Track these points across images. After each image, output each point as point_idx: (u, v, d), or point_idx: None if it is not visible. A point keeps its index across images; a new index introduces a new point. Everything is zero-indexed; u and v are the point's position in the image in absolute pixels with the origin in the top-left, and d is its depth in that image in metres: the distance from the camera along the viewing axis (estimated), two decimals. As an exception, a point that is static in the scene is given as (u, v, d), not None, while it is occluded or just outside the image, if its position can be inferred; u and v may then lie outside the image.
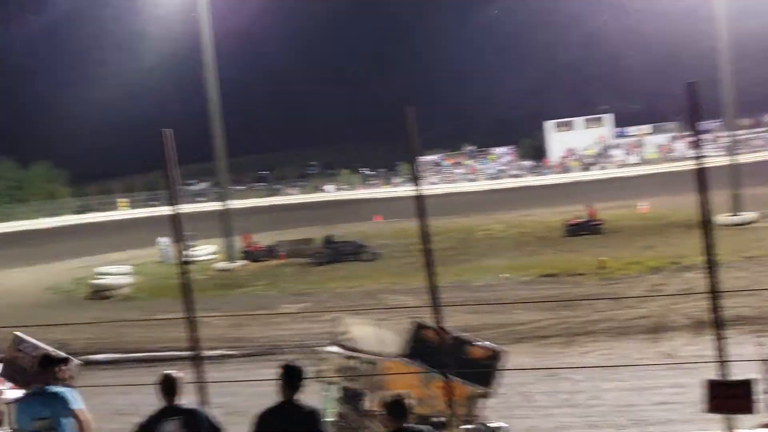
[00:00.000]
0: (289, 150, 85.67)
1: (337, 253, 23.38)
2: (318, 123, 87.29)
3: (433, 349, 6.10)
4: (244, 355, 13.32)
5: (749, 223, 23.70)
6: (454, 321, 8.34)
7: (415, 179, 5.82)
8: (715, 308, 4.90)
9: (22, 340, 6.19)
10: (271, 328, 15.12)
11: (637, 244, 20.75)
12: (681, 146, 64.30)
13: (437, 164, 67.23)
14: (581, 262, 18.75)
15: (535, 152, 67.77)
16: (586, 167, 62.36)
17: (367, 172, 69.47)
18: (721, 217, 22.45)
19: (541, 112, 69.06)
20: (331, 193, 63.75)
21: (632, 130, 67.13)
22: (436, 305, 5.09)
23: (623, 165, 61.22)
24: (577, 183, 52.11)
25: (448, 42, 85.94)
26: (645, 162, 59.61)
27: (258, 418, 4.18)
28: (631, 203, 31.51)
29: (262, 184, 70.17)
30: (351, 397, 6.91)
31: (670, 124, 65.22)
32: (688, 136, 67.13)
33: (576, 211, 26.73)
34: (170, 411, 4.30)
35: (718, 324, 4.92)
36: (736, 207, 24.47)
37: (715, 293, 4.87)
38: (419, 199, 5.18)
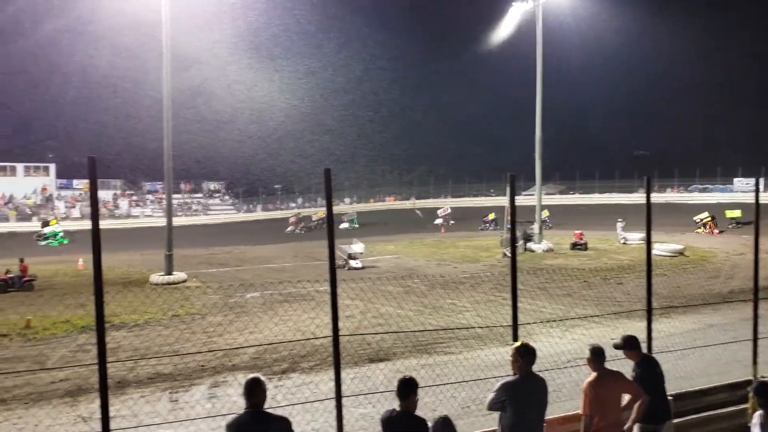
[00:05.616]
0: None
1: None
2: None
3: None
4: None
5: (179, 282, 24.10)
6: None
7: None
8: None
9: None
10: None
11: (68, 302, 18.19)
12: (125, 203, 62.66)
13: None
14: (5, 321, 16.62)
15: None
16: (25, 217, 56.65)
17: None
18: (155, 276, 24.28)
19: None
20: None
21: (78, 182, 62.87)
22: None
23: (66, 218, 56.29)
24: (15, 234, 48.97)
25: None
26: (87, 216, 51.59)
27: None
28: (71, 258, 29.49)
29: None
30: None
31: (115, 181, 64.70)
32: (133, 194, 65.42)
33: (8, 265, 23.97)
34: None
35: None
36: (169, 267, 24.69)
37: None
38: None
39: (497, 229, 46.98)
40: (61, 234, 43.81)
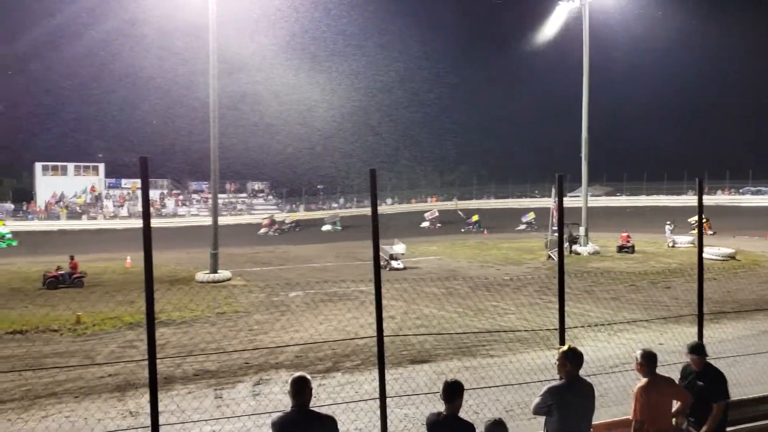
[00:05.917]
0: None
1: None
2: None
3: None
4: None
5: (225, 280, 24.45)
6: None
7: None
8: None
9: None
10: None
11: (117, 298, 18.70)
12: (171, 203, 61.65)
13: None
14: (56, 317, 16.71)
15: (20, 195, 62.57)
16: (75, 215, 58.32)
17: None
18: (201, 275, 24.69)
19: (32, 152, 63.33)
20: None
21: (126, 182, 64.08)
22: None
23: (114, 216, 59.16)
24: (65, 231, 51.24)
25: None
26: (135, 215, 55.79)
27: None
28: (119, 256, 30.40)
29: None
30: None
31: (162, 181, 65.35)
32: (179, 193, 64.86)
33: (58, 262, 24.55)
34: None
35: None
36: (215, 265, 25.10)
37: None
38: None
39: (479, 232, 46.64)
40: (9, 236, 43.03)
